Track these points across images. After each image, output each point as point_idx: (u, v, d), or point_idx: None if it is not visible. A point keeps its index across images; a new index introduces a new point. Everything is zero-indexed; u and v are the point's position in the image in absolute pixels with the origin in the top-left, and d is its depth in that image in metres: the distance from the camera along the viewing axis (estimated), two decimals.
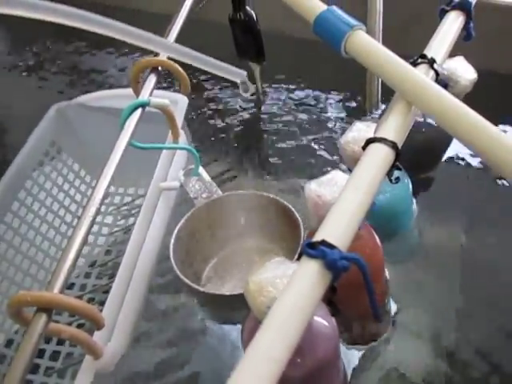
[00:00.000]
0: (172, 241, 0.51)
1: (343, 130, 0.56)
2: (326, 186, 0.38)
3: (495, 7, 0.72)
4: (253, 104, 0.82)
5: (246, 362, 0.25)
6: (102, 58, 1.00)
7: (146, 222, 0.50)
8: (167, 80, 0.88)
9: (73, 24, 0.44)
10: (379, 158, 0.34)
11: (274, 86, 0.84)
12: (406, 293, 0.52)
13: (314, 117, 0.77)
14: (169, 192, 0.55)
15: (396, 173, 0.37)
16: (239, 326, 0.41)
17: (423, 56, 0.41)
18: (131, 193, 0.70)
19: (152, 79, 0.51)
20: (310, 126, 0.76)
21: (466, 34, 0.46)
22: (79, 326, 0.52)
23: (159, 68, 0.52)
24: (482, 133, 0.33)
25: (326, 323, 0.38)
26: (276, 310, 0.27)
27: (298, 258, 0.30)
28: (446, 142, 0.60)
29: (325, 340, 0.37)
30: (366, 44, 0.38)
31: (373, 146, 0.35)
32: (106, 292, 0.45)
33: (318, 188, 0.38)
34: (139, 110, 0.46)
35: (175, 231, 0.52)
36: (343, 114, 0.77)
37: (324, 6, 0.41)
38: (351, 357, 0.48)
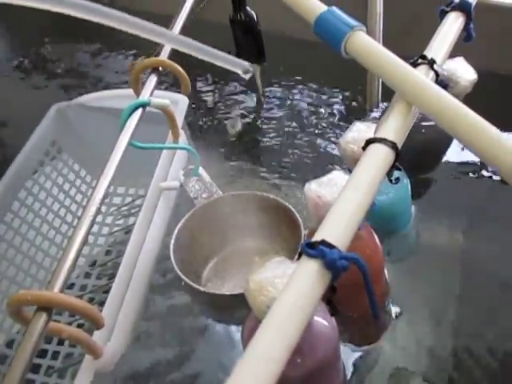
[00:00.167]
0: (172, 241, 0.51)
1: (343, 131, 0.56)
2: (326, 187, 0.38)
3: (495, 8, 0.72)
4: (253, 104, 0.82)
5: (245, 361, 0.25)
6: (103, 58, 1.00)
7: (146, 221, 0.50)
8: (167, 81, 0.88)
9: (78, 15, 0.44)
10: (379, 158, 0.34)
11: (274, 86, 0.84)
12: (406, 293, 0.52)
13: (315, 117, 0.77)
14: (169, 192, 0.55)
15: (396, 173, 0.37)
16: (239, 326, 0.41)
17: (423, 57, 0.41)
18: (131, 193, 0.70)
19: (152, 79, 0.51)
20: (311, 127, 0.76)
21: (466, 35, 0.46)
22: (79, 326, 0.52)
23: (160, 68, 0.52)
24: (481, 134, 0.33)
25: (326, 323, 0.38)
26: (275, 309, 0.27)
27: (298, 258, 0.30)
28: (445, 142, 0.60)
29: (325, 340, 0.37)
30: (366, 45, 0.39)
31: (373, 147, 0.35)
32: (106, 292, 0.45)
33: (318, 188, 0.38)
34: (139, 110, 0.46)
35: (175, 231, 0.52)
36: (343, 114, 0.77)
37: (324, 7, 0.41)
38: (351, 357, 0.48)
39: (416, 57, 0.41)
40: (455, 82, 0.49)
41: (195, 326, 0.53)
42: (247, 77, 0.50)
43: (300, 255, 0.29)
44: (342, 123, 0.76)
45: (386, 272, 0.47)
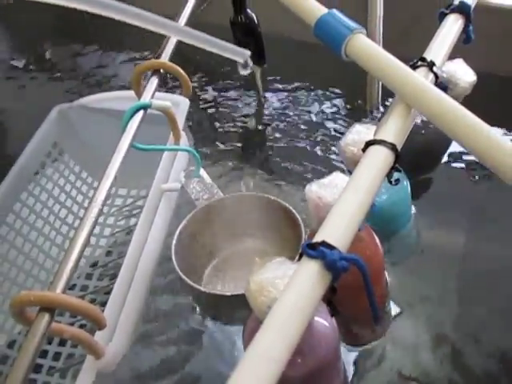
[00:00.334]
0: (173, 241, 0.51)
1: (343, 132, 0.56)
2: (327, 188, 0.38)
3: (495, 10, 0.72)
4: (254, 106, 0.82)
5: (246, 361, 0.25)
6: (104, 59, 1.01)
7: (147, 223, 0.51)
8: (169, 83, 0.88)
9: (83, 7, 0.44)
10: (379, 160, 0.34)
11: (274, 87, 0.84)
12: (406, 293, 0.53)
13: (315, 119, 0.78)
14: (170, 193, 0.55)
15: (396, 174, 0.37)
16: (240, 326, 0.41)
17: (423, 59, 0.41)
18: (133, 194, 0.70)
19: (154, 81, 0.51)
20: (311, 128, 0.76)
21: (465, 37, 0.47)
22: (81, 327, 0.52)
23: (161, 70, 0.52)
24: (480, 135, 0.33)
25: (326, 324, 0.38)
26: (276, 309, 0.27)
27: (299, 259, 0.30)
28: (445, 143, 0.61)
29: (325, 340, 0.37)
30: (366, 47, 0.39)
31: (372, 148, 0.35)
32: (108, 293, 0.45)
33: (318, 189, 0.38)
34: (141, 112, 0.47)
35: (177, 232, 0.52)
36: (344, 116, 0.77)
37: (325, 10, 0.41)
38: (351, 357, 0.48)
39: (415, 59, 0.41)
40: (454, 84, 0.49)
41: (196, 326, 0.54)
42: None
43: (301, 256, 0.30)
44: (341, 125, 0.76)
45: (386, 273, 0.47)
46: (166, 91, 0.81)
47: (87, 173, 0.71)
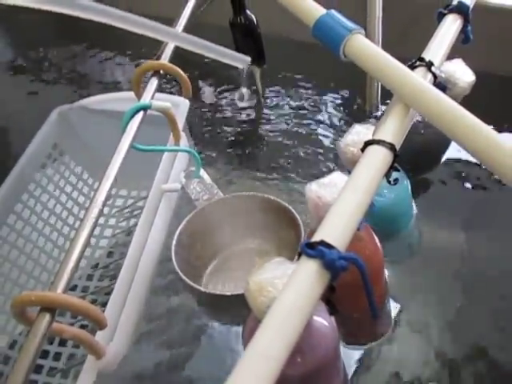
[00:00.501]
0: (174, 242, 0.52)
1: (343, 133, 0.57)
2: (327, 187, 0.38)
3: (494, 10, 0.72)
4: (253, 106, 0.83)
5: (245, 360, 0.25)
6: (104, 61, 1.01)
7: (147, 223, 0.51)
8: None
9: (82, 15, 0.44)
10: (377, 159, 0.34)
11: (274, 88, 0.85)
12: (406, 293, 0.53)
13: (314, 119, 0.78)
14: (170, 194, 0.55)
15: (395, 174, 0.37)
16: (240, 326, 0.41)
17: (421, 59, 0.41)
18: (133, 195, 0.71)
19: (154, 82, 0.51)
20: (311, 128, 0.76)
21: (463, 37, 0.47)
22: (82, 328, 0.52)
23: (161, 71, 0.53)
24: (479, 135, 0.33)
25: (326, 323, 0.38)
26: (275, 309, 0.27)
27: (298, 258, 0.30)
28: (444, 143, 0.61)
29: (325, 340, 0.37)
30: (365, 47, 0.39)
31: (371, 148, 0.35)
32: (109, 294, 0.45)
33: (318, 189, 0.38)
34: (141, 113, 0.47)
35: (177, 233, 0.53)
36: (343, 116, 0.77)
37: (323, 10, 0.41)
38: (351, 357, 0.48)
39: (414, 59, 0.41)
40: (453, 84, 0.49)
41: (197, 326, 0.54)
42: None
43: (299, 255, 0.30)
44: (341, 125, 0.76)
45: (386, 273, 0.47)
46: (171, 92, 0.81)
47: (88, 174, 0.71)
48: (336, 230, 0.30)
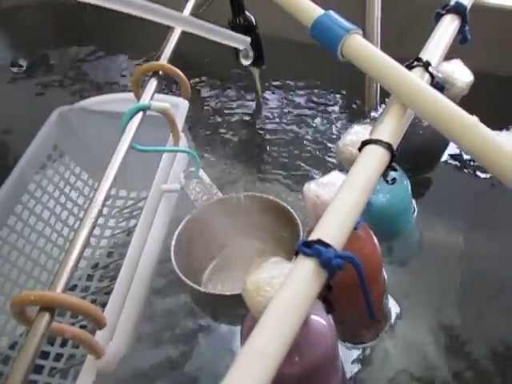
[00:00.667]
0: (173, 242, 0.52)
1: (342, 133, 0.57)
2: (325, 187, 0.39)
3: (493, 10, 0.72)
4: (252, 107, 0.83)
5: (242, 358, 0.26)
6: (104, 62, 1.01)
7: (147, 224, 0.51)
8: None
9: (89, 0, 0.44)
10: (374, 159, 0.34)
11: (273, 88, 0.85)
12: (406, 293, 0.53)
13: (314, 119, 0.78)
14: (170, 194, 0.55)
15: (394, 174, 0.37)
16: (239, 326, 0.41)
17: (418, 59, 0.41)
18: (133, 196, 0.71)
19: (153, 83, 0.51)
20: (310, 129, 0.76)
21: (461, 38, 0.47)
22: (81, 328, 0.52)
23: (160, 72, 0.53)
24: (476, 136, 0.33)
25: (324, 323, 0.38)
26: (272, 307, 0.27)
27: (295, 258, 0.30)
28: (443, 143, 0.61)
29: (323, 339, 0.37)
30: (362, 47, 0.39)
31: (368, 148, 0.35)
32: (108, 294, 0.45)
33: (316, 188, 0.39)
34: (140, 114, 0.47)
35: (176, 233, 0.53)
36: (342, 116, 0.77)
37: (321, 11, 0.41)
38: (350, 356, 0.48)
39: (412, 59, 0.42)
40: (451, 84, 0.49)
41: (196, 326, 0.54)
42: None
43: (297, 254, 0.30)
44: (340, 125, 0.76)
45: (384, 272, 0.47)
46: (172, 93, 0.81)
47: (88, 174, 0.71)
48: (333, 229, 0.30)
